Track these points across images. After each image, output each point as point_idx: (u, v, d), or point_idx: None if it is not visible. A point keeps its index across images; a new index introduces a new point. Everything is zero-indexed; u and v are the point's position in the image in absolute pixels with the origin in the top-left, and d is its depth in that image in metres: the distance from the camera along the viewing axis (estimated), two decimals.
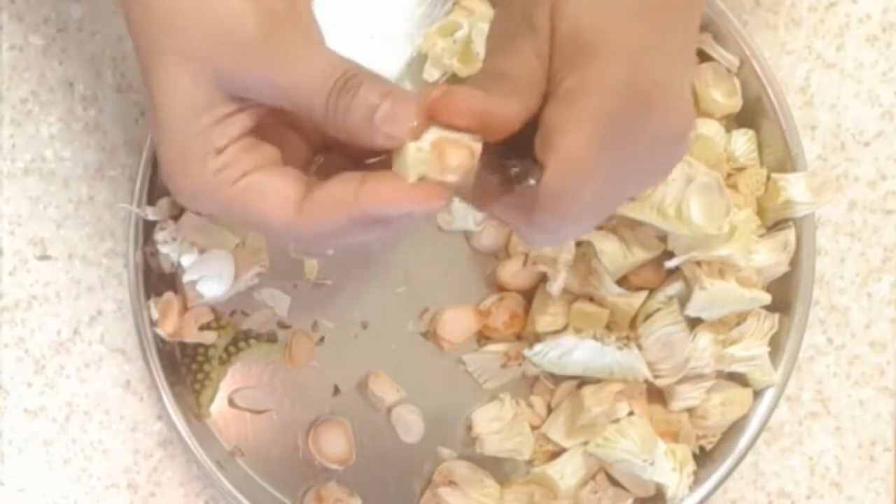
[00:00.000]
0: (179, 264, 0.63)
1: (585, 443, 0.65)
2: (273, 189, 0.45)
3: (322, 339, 0.67)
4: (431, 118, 0.43)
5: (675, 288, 0.65)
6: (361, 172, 0.44)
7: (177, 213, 0.63)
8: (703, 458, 0.67)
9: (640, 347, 0.64)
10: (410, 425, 0.67)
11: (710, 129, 0.65)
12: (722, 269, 0.64)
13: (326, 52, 0.45)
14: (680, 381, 0.65)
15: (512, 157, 0.45)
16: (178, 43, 0.44)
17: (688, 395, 0.66)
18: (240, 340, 0.66)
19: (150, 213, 0.63)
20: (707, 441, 0.67)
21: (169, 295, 0.64)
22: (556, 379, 0.67)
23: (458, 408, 0.67)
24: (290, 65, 0.44)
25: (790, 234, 0.66)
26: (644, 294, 0.65)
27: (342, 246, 0.47)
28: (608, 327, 0.65)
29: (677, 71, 0.45)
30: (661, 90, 0.44)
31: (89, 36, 0.66)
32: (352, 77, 0.44)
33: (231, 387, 0.66)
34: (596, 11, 0.43)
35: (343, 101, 0.44)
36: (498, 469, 0.67)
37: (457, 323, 0.67)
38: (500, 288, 0.67)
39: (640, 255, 0.64)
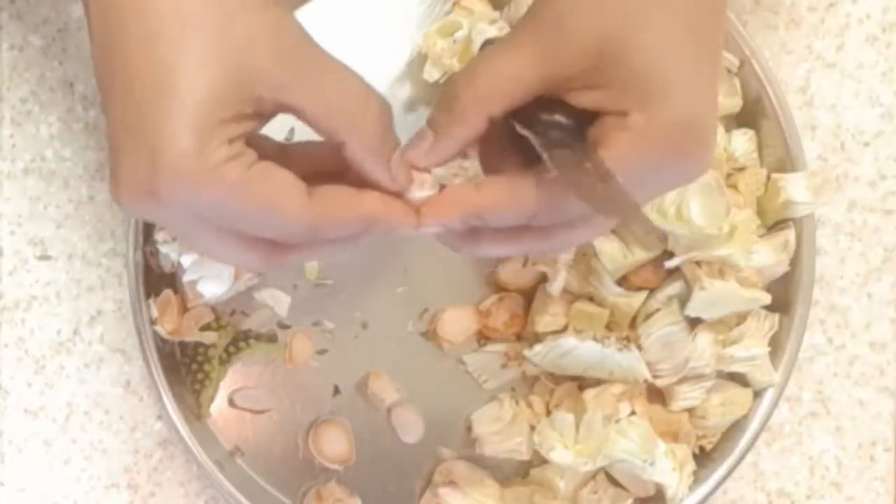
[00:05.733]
0: (179, 264, 0.63)
1: None
2: (284, 176, 0.45)
3: (322, 339, 0.67)
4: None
5: (675, 288, 0.65)
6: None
7: None
8: (703, 458, 0.67)
9: (640, 347, 0.64)
10: (410, 425, 0.67)
11: None
12: (722, 269, 0.64)
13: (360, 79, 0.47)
14: (680, 381, 0.65)
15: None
16: (214, 36, 0.43)
17: (688, 395, 0.66)
18: (240, 340, 0.66)
19: None
20: (707, 441, 0.67)
21: (168, 292, 0.64)
22: (556, 379, 0.67)
23: (458, 408, 0.67)
24: (329, 80, 0.46)
25: (790, 234, 0.66)
26: (644, 294, 0.65)
27: (331, 248, 0.48)
28: (608, 327, 0.65)
29: (715, 108, 0.49)
30: (711, 131, 0.48)
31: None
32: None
33: (231, 387, 0.66)
34: (664, 47, 0.46)
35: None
36: (498, 469, 0.67)
37: (457, 323, 0.67)
38: (500, 288, 0.67)
39: (640, 255, 0.64)
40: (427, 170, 0.49)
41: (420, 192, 0.49)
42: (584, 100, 0.47)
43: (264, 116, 0.45)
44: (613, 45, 0.45)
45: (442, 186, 0.50)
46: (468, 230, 0.50)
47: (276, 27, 0.44)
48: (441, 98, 0.49)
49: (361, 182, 0.48)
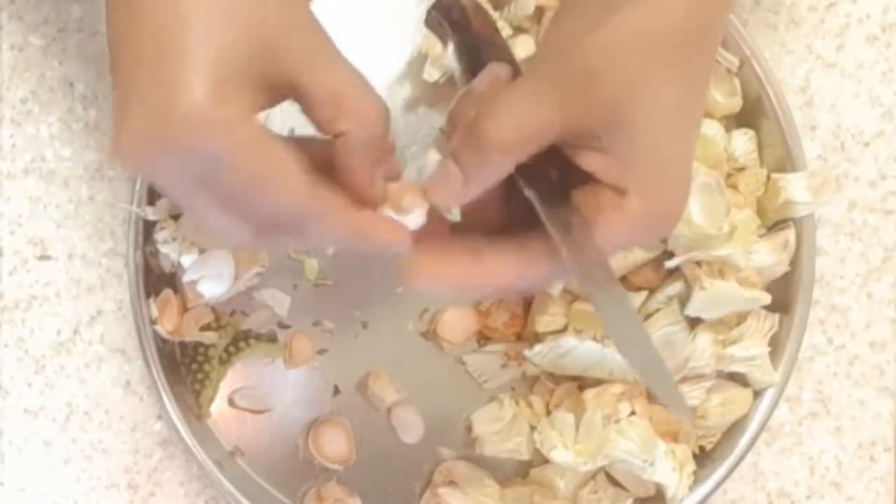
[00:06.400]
0: (179, 264, 0.63)
1: None
2: (290, 155, 0.45)
3: (322, 339, 0.67)
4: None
5: (675, 288, 0.65)
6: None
7: (177, 213, 0.63)
8: (703, 458, 0.67)
9: None
10: (410, 425, 0.67)
11: (710, 129, 0.65)
12: (722, 269, 0.64)
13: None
14: (680, 381, 0.65)
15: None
16: (238, 8, 0.43)
17: (688, 395, 0.65)
18: (240, 340, 0.66)
19: (150, 213, 0.63)
20: (707, 441, 0.67)
21: (168, 292, 0.64)
22: (556, 379, 0.67)
23: (458, 408, 0.67)
24: (338, 70, 0.46)
25: (790, 234, 0.66)
26: (644, 294, 0.65)
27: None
28: None
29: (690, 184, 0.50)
30: (683, 209, 0.49)
31: (89, 36, 0.66)
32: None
33: (231, 387, 0.66)
34: (672, 128, 0.47)
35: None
36: (498, 469, 0.67)
37: (457, 323, 0.67)
38: None
39: (640, 255, 0.64)
40: (448, 208, 0.49)
41: (408, 216, 0.49)
42: (588, 162, 0.47)
43: (275, 95, 0.45)
44: (632, 115, 0.46)
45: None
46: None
47: (295, 10, 0.45)
48: (469, 138, 0.48)
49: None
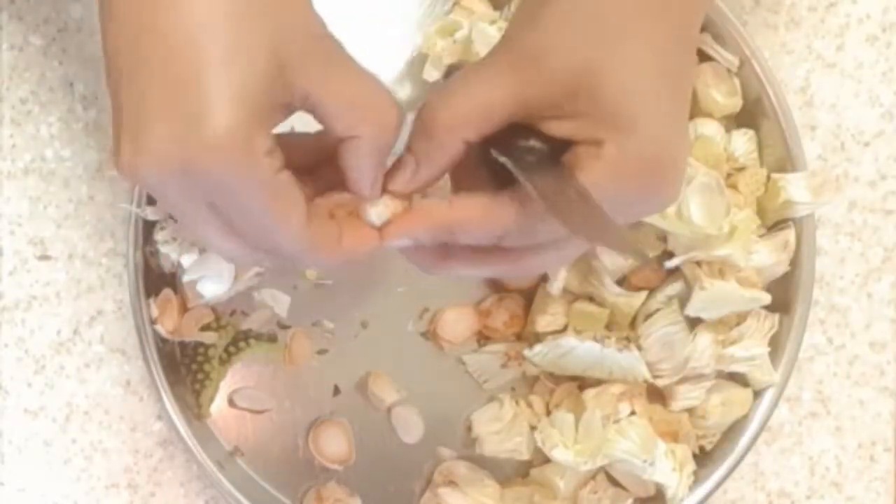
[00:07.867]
0: (179, 264, 0.63)
1: None
2: (298, 194, 0.46)
3: (322, 339, 0.67)
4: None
5: (675, 288, 0.65)
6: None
7: None
8: (703, 458, 0.67)
9: (640, 347, 0.64)
10: (410, 425, 0.67)
11: (710, 129, 0.65)
12: (722, 269, 0.64)
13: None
14: (680, 381, 0.65)
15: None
16: (259, 22, 0.43)
17: (688, 395, 0.65)
18: (240, 340, 0.66)
19: (150, 213, 0.63)
20: (707, 441, 0.67)
21: (168, 292, 0.64)
22: (556, 379, 0.67)
23: (458, 408, 0.67)
24: (353, 81, 0.46)
25: (790, 234, 0.66)
26: (644, 294, 0.65)
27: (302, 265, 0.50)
28: (608, 327, 0.65)
29: (685, 143, 0.50)
30: (679, 166, 0.49)
31: (89, 36, 0.66)
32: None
33: (231, 387, 0.66)
34: (639, 82, 0.47)
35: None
36: (498, 469, 0.67)
37: (457, 323, 0.67)
38: (500, 288, 0.67)
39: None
40: (407, 196, 0.49)
41: (386, 211, 0.49)
42: (558, 129, 0.47)
43: (291, 109, 0.45)
44: (590, 80, 0.46)
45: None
46: (438, 248, 0.50)
47: (306, 25, 0.45)
48: (418, 124, 0.49)
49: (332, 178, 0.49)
